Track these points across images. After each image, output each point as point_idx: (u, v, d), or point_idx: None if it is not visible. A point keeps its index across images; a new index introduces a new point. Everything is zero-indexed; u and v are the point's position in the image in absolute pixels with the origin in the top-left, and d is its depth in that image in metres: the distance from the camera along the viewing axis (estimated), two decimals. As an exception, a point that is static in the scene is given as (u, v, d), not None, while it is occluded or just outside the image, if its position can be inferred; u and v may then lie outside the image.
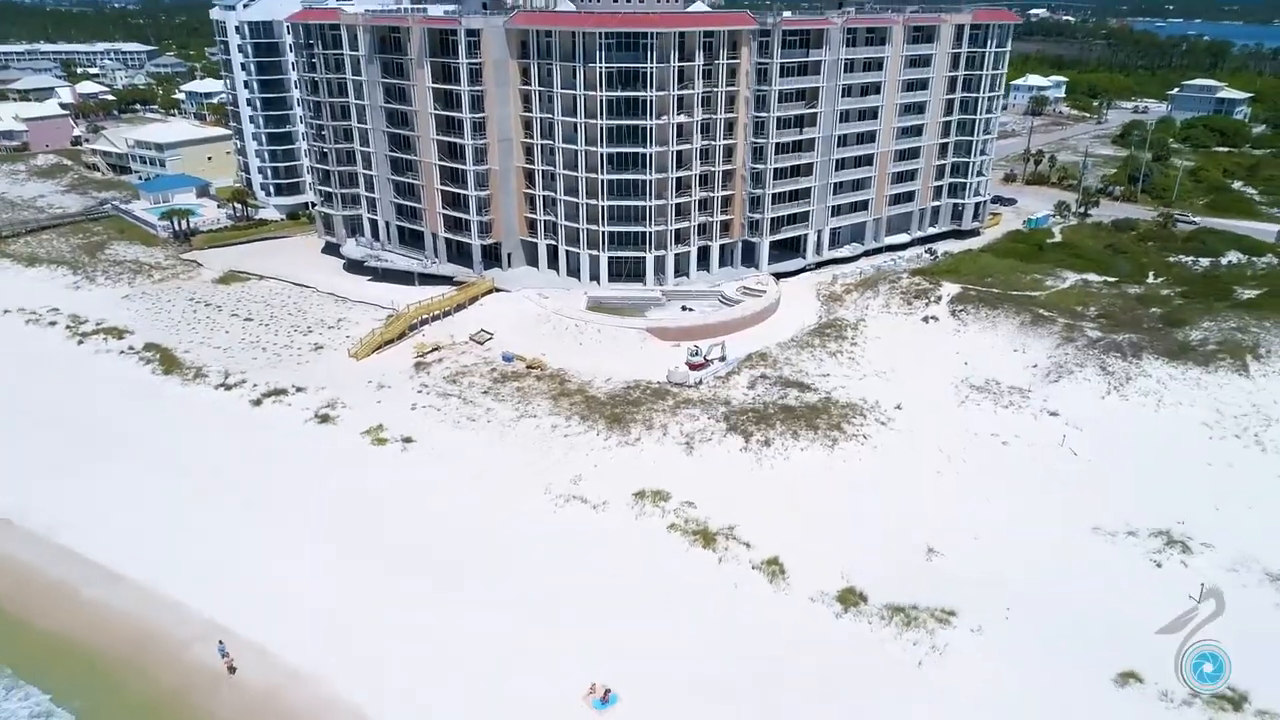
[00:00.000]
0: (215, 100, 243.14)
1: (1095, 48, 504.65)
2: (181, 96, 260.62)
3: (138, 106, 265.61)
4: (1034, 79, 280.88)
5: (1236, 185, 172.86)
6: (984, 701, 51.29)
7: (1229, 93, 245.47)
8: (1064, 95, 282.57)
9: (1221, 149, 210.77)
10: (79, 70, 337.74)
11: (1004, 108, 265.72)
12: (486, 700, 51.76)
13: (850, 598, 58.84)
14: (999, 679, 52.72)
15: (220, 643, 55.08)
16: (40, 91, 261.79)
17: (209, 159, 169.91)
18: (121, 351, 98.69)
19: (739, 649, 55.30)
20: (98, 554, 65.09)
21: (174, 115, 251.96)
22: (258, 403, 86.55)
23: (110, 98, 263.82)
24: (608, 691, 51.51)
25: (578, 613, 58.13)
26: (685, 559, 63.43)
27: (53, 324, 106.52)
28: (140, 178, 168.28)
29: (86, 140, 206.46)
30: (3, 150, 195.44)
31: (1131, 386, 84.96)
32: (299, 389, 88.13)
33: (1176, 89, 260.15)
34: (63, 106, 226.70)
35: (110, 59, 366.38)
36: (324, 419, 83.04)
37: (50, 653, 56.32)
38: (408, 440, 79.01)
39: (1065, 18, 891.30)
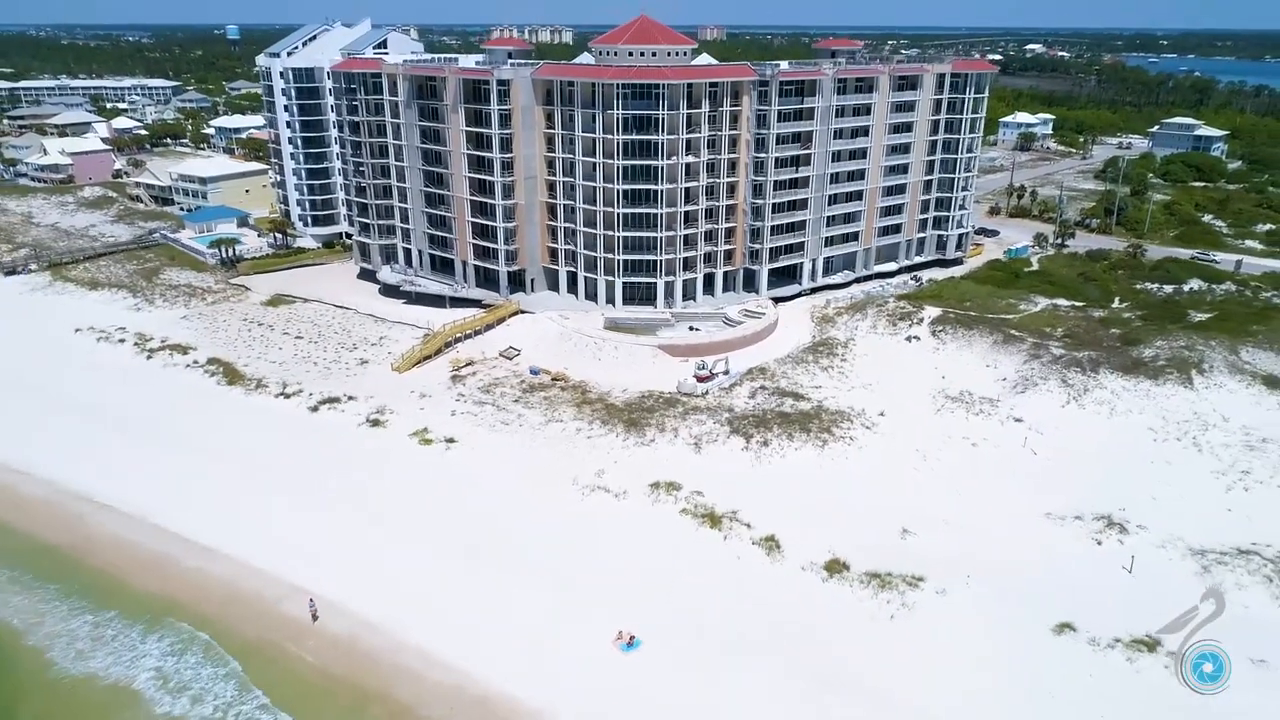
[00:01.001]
0: (244, 135, 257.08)
1: (1086, 84, 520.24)
2: (211, 131, 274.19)
3: (168, 141, 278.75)
4: (1022, 116, 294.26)
5: (1207, 218, 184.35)
6: (944, 647, 61.87)
7: (1206, 130, 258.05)
8: (1051, 132, 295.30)
9: (1198, 184, 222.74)
10: (108, 105, 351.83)
11: (994, 143, 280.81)
12: (532, 645, 62.42)
13: (835, 567, 69.64)
14: (957, 630, 63.35)
15: (311, 600, 65.91)
16: (77, 126, 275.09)
17: (246, 191, 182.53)
18: (187, 365, 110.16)
19: (740, 606, 66.02)
20: (190, 532, 76.01)
21: (203, 149, 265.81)
22: (315, 409, 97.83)
23: (143, 132, 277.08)
24: (632, 637, 62.28)
25: (604, 577, 68.99)
26: (695, 537, 74.35)
27: (121, 341, 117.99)
28: (183, 209, 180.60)
29: (127, 174, 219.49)
30: (50, 183, 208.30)
31: (1089, 397, 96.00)
32: (350, 398, 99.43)
33: (1157, 126, 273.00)
34: (103, 141, 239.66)
35: (137, 94, 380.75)
36: (375, 423, 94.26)
37: (168, 607, 67.02)
38: (450, 440, 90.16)
39: (1060, 54, 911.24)
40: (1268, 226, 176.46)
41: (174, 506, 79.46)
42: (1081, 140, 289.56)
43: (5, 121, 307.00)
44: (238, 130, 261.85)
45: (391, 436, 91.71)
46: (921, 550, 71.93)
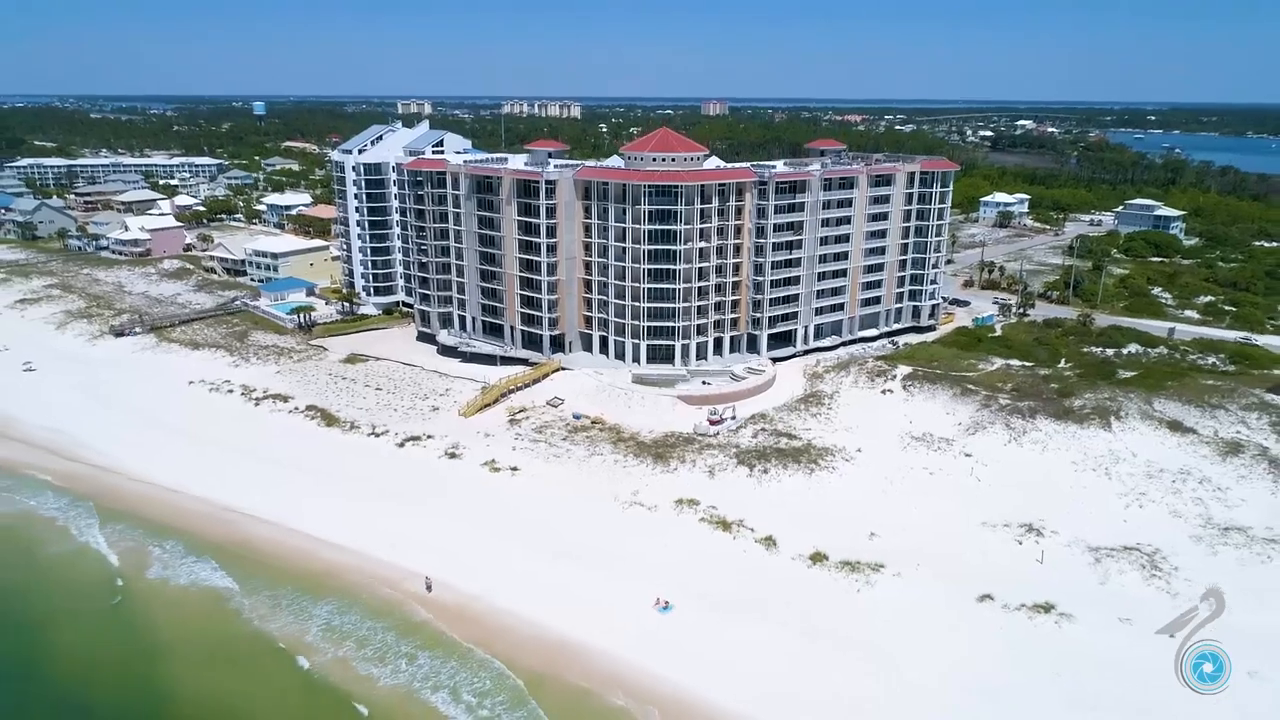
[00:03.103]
0: (294, 212, 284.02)
1: (1069, 162, 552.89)
2: (263, 208, 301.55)
3: (222, 216, 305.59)
4: (1000, 196, 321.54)
5: (1156, 291, 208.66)
6: (894, 610, 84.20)
7: (1165, 210, 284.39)
8: (1027, 210, 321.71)
9: (1155, 259, 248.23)
10: (160, 182, 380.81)
11: (975, 220, 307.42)
12: (594, 608, 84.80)
13: (817, 557, 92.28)
14: (906, 599, 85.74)
15: (427, 578, 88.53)
16: (142, 204, 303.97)
17: (310, 265, 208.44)
18: (290, 411, 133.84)
19: (744, 585, 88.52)
20: (321, 533, 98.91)
21: (255, 224, 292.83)
22: (401, 445, 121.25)
23: (201, 209, 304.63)
24: (667, 602, 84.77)
25: (643, 563, 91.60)
26: (710, 537, 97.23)
27: (230, 392, 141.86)
28: (255, 280, 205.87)
29: (193, 247, 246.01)
30: (130, 255, 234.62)
31: (1026, 437, 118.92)
32: (429, 436, 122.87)
33: (1121, 206, 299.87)
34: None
35: (186, 171, 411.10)
36: (452, 455, 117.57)
37: (318, 587, 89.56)
38: (514, 469, 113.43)
39: (1049, 129, 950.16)
40: (1208, 298, 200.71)
41: (304, 515, 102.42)
42: (1055, 217, 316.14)
43: (72, 196, 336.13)
44: (288, 207, 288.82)
45: (467, 466, 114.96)
46: (884, 547, 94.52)
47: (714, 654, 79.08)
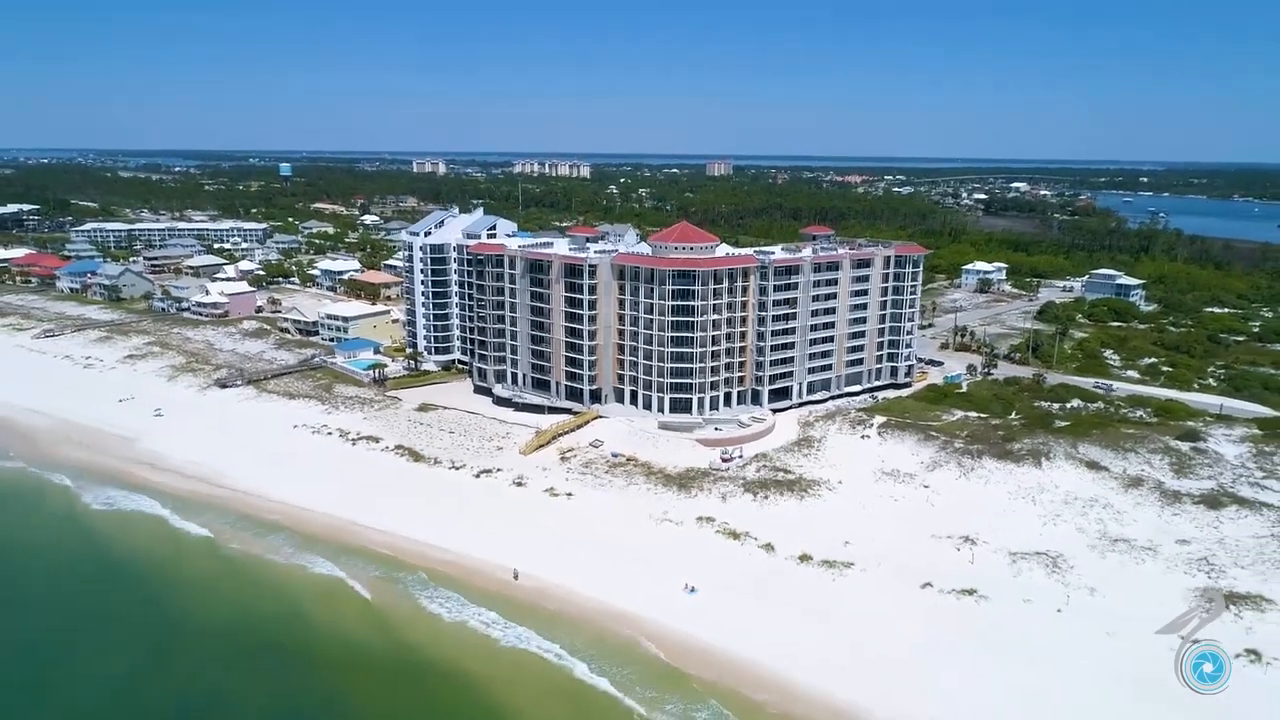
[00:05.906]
0: (345, 276, 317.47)
1: (1054, 225, 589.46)
2: (317, 273, 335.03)
3: (279, 280, 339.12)
4: (980, 264, 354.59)
5: (1108, 353, 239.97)
6: (860, 597, 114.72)
7: (1125, 280, 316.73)
8: (1005, 277, 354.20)
9: (1115, 324, 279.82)
10: (214, 246, 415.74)
11: (958, 287, 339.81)
12: (639, 590, 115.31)
13: (804, 558, 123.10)
14: (869, 587, 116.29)
15: (515, 569, 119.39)
16: (208, 268, 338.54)
17: (374, 327, 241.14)
18: (381, 450, 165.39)
19: (750, 577, 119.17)
20: (425, 538, 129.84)
21: (310, 288, 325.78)
22: (477, 476, 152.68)
23: (261, 273, 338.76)
24: (693, 587, 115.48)
25: (674, 562, 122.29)
26: (724, 545, 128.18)
27: (329, 434, 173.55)
28: (327, 340, 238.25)
29: (268, 309, 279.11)
30: (210, 317, 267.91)
31: (974, 474, 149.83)
32: (498, 469, 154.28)
33: (1087, 275, 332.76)
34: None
35: (236, 235, 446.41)
36: (519, 484, 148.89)
37: (438, 577, 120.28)
38: (569, 494, 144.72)
39: (1042, 192, 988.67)
40: (1150, 360, 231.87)
41: (413, 526, 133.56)
42: (1031, 284, 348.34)
43: (142, 261, 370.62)
44: (340, 273, 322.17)
45: (531, 492, 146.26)
46: (855, 552, 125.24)
47: (729, 623, 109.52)
